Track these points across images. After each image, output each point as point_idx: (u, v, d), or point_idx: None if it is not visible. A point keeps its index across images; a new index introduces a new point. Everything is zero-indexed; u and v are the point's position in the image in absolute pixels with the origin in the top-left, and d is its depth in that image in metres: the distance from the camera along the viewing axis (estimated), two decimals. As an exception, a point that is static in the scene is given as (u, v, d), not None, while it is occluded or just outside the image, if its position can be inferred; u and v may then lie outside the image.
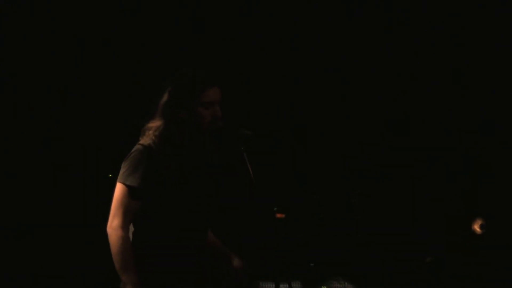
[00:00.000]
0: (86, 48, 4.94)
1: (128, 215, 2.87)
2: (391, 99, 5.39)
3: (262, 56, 5.24)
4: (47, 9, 4.80)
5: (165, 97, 3.00)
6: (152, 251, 2.91)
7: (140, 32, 5.00)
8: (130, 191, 2.87)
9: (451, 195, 5.19)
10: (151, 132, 2.97)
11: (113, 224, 2.85)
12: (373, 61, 5.35)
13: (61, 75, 4.93)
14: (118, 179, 2.91)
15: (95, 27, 4.92)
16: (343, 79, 5.39)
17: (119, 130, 4.83)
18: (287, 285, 3.72)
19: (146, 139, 2.96)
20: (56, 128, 4.95)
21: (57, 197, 4.94)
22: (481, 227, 4.94)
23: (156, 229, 2.92)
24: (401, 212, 5.24)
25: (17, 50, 4.79)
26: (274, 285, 3.07)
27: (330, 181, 5.39)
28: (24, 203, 4.87)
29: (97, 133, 5.02)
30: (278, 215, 3.15)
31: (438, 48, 5.26)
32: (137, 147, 2.94)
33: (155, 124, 2.98)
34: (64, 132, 4.97)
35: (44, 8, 4.79)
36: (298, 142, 5.38)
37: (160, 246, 2.91)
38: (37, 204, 4.90)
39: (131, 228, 2.93)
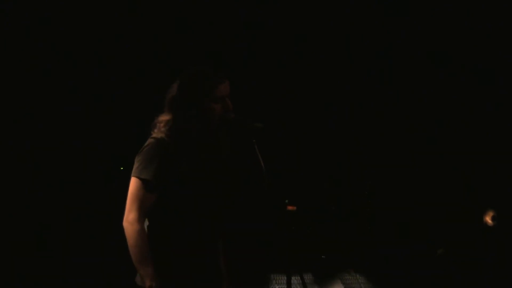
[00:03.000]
0: (88, 48, 4.94)
1: (143, 209, 2.88)
2: (392, 99, 5.41)
3: (274, 53, 5.25)
4: (46, 9, 4.82)
5: (174, 92, 3.00)
6: (167, 245, 2.93)
7: (140, 32, 5.00)
8: (145, 185, 2.88)
9: (460, 189, 5.19)
10: (161, 125, 2.97)
11: (129, 218, 2.86)
12: (375, 61, 5.36)
13: (61, 75, 4.93)
14: (132, 174, 2.92)
15: (99, 27, 4.92)
16: (349, 78, 5.41)
17: (121, 129, 4.86)
18: (299, 278, 3.72)
19: (158, 133, 2.96)
20: (57, 128, 4.96)
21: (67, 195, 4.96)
22: (493, 218, 4.94)
23: (171, 222, 2.94)
24: (412, 205, 5.25)
25: (17, 50, 4.80)
26: (285, 278, 3.07)
27: (341, 174, 5.40)
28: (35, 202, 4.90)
29: (101, 133, 5.03)
30: (290, 208, 3.16)
31: (439, 48, 5.26)
32: (150, 140, 2.95)
33: (165, 118, 2.99)
34: (66, 132, 4.98)
35: (44, 8, 4.81)
36: (309, 136, 5.39)
37: (175, 239, 2.93)
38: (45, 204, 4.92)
39: (146, 221, 2.94)
